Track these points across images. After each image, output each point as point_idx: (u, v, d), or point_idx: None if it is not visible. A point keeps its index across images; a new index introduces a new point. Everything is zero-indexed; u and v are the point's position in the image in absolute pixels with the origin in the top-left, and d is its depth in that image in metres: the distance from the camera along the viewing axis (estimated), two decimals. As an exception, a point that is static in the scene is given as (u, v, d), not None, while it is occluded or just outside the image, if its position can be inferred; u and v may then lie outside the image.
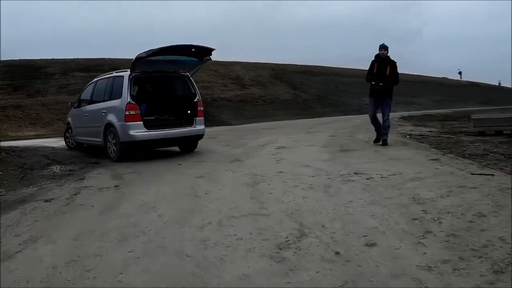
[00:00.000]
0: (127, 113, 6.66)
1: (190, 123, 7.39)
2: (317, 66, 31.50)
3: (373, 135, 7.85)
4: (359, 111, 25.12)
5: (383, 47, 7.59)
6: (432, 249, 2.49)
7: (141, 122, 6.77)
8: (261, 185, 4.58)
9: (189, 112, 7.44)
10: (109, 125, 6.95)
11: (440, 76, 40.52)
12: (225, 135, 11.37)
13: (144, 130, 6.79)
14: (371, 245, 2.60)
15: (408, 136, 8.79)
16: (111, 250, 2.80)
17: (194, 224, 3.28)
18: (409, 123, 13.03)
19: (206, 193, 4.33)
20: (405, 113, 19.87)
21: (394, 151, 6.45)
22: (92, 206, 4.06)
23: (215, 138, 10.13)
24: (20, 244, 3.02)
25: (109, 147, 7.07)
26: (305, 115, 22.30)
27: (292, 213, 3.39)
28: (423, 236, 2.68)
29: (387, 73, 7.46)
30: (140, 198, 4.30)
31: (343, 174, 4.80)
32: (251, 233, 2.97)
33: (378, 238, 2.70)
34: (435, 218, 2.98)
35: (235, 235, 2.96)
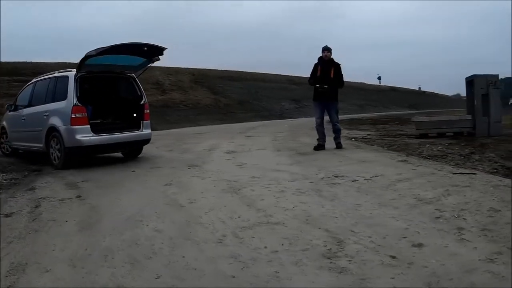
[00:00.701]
0: (73, 116, 6.00)
1: (137, 127, 6.89)
2: (237, 71, 31.70)
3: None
4: (281, 116, 25.92)
5: (326, 49, 7.34)
6: (477, 243, 2.53)
7: (88, 126, 6.13)
8: (244, 191, 4.33)
9: (135, 115, 6.93)
10: (52, 129, 6.26)
11: (359, 81, 42.63)
12: (160, 140, 10.72)
13: (91, 135, 6.16)
14: (419, 245, 2.55)
15: (353, 139, 9.13)
16: (131, 279, 2.32)
17: (207, 238, 2.92)
18: (342, 127, 13.63)
19: (190, 202, 3.96)
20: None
21: (355, 154, 6.63)
22: (66, 221, 3.43)
23: (153, 143, 9.48)
24: (7, 276, 2.37)
25: (52, 153, 6.36)
26: (228, 120, 22.22)
27: (307, 220, 3.22)
28: (459, 232, 2.72)
29: (331, 75, 7.24)
30: (115, 210, 3.78)
31: (323, 178, 4.75)
32: (282, 244, 2.73)
33: (419, 238, 2.67)
34: (456, 216, 3.06)
35: (266, 247, 2.69)
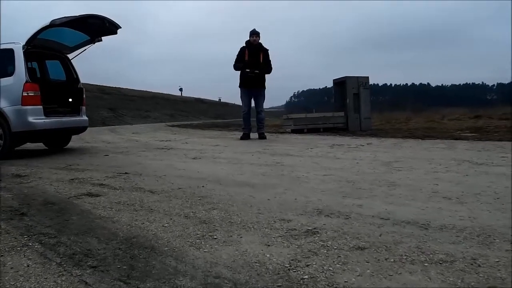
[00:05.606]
0: (25, 94, 4.96)
1: (78, 112, 6.16)
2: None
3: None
4: (104, 123, 24.27)
5: (255, 33, 6.94)
6: None
7: (41, 107, 5.17)
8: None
9: (74, 100, 6.20)
10: None
11: (165, 92, 41.86)
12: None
13: (44, 117, 5.21)
14: None
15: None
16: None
17: None
18: (200, 129, 13.53)
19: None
20: (169, 123, 20.88)
21: (317, 141, 6.39)
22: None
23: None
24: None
25: None
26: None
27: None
28: None
29: (261, 60, 6.87)
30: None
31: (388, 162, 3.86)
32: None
33: None
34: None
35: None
